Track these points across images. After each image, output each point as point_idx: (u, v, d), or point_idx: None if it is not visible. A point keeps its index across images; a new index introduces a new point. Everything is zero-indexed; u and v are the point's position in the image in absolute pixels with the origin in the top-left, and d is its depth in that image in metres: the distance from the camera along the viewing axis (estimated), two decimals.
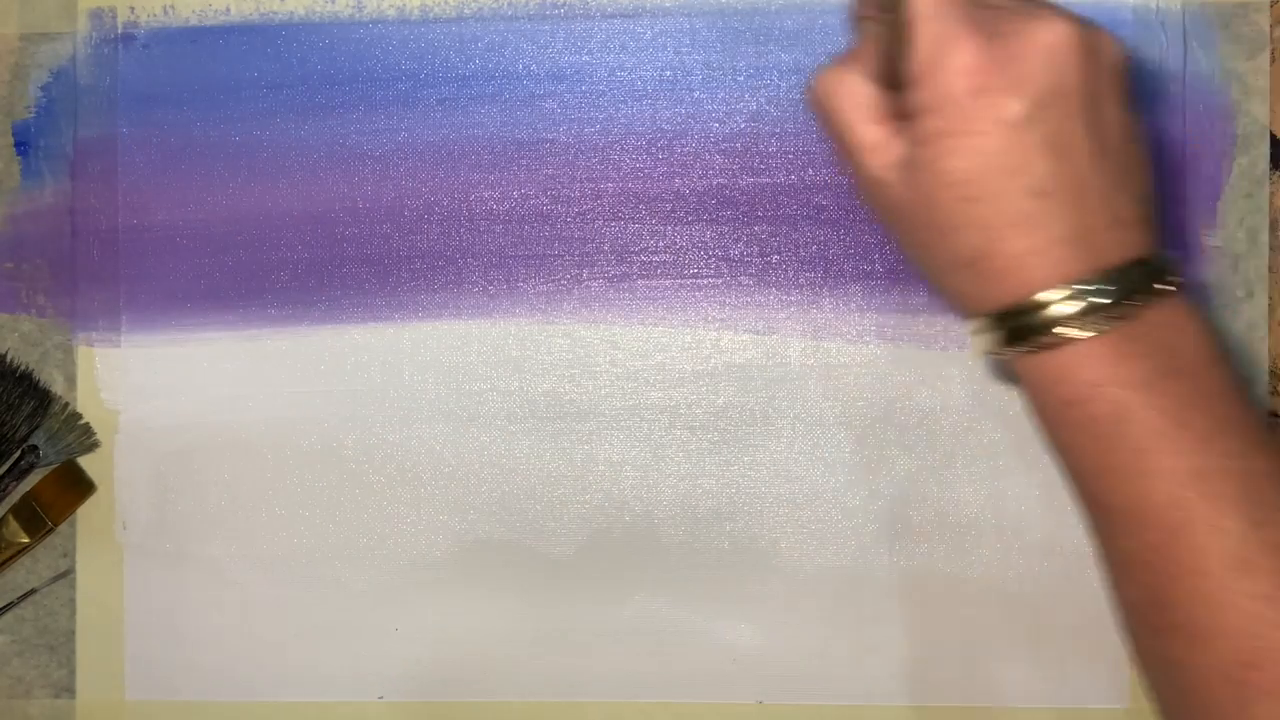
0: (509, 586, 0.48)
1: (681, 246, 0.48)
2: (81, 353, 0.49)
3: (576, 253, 0.48)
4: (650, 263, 0.48)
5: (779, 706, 0.48)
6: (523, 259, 0.48)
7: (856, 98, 0.37)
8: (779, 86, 0.48)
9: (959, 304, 0.37)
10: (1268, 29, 0.47)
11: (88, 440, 0.49)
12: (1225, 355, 0.35)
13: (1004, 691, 0.47)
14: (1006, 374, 0.36)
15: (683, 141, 0.48)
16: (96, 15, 0.49)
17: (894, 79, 0.36)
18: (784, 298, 0.48)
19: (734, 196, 0.48)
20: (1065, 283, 0.34)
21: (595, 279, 0.48)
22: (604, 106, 0.48)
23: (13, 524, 0.48)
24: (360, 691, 0.49)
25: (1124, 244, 0.34)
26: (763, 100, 0.48)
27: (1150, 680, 0.36)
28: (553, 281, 0.48)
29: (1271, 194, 0.47)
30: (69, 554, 0.50)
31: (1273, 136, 0.47)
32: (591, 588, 0.48)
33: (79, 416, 0.49)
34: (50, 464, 0.49)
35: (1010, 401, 0.47)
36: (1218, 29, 0.47)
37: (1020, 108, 0.34)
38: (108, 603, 0.49)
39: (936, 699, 0.47)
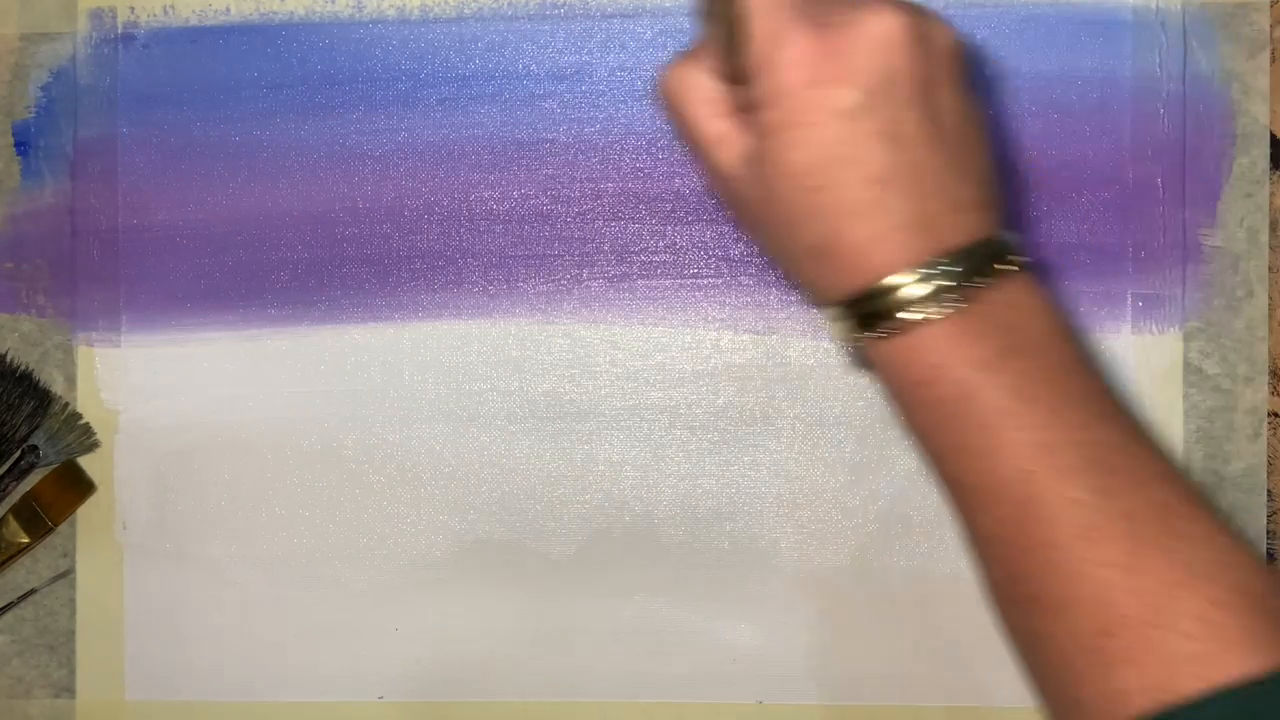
0: (509, 586, 0.48)
1: (681, 246, 0.48)
2: (81, 353, 0.49)
3: (576, 253, 0.48)
4: (650, 263, 0.48)
5: (779, 706, 0.48)
6: (523, 259, 0.48)
7: (701, 93, 0.37)
8: None
9: (811, 293, 0.37)
10: (1268, 29, 0.47)
11: (88, 440, 0.49)
12: (1069, 330, 0.36)
13: (1003, 692, 0.47)
14: (862, 360, 0.36)
15: None
16: (96, 15, 0.49)
17: (739, 73, 0.36)
18: (784, 298, 0.48)
19: None
20: (909, 268, 0.34)
21: (595, 279, 0.48)
22: (604, 106, 0.48)
23: (13, 524, 0.48)
24: (360, 691, 0.49)
25: (965, 227, 0.35)
26: None
27: (1017, 653, 0.36)
28: (553, 281, 0.48)
29: (1271, 194, 0.47)
30: (69, 554, 0.50)
31: (1273, 136, 0.47)
32: (591, 588, 0.48)
33: (79, 416, 0.49)
34: (50, 464, 0.49)
35: None
36: (1218, 29, 0.47)
37: (853, 98, 0.34)
38: (108, 603, 0.49)
39: (935, 699, 0.47)
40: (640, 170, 0.48)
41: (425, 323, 0.49)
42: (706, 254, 0.48)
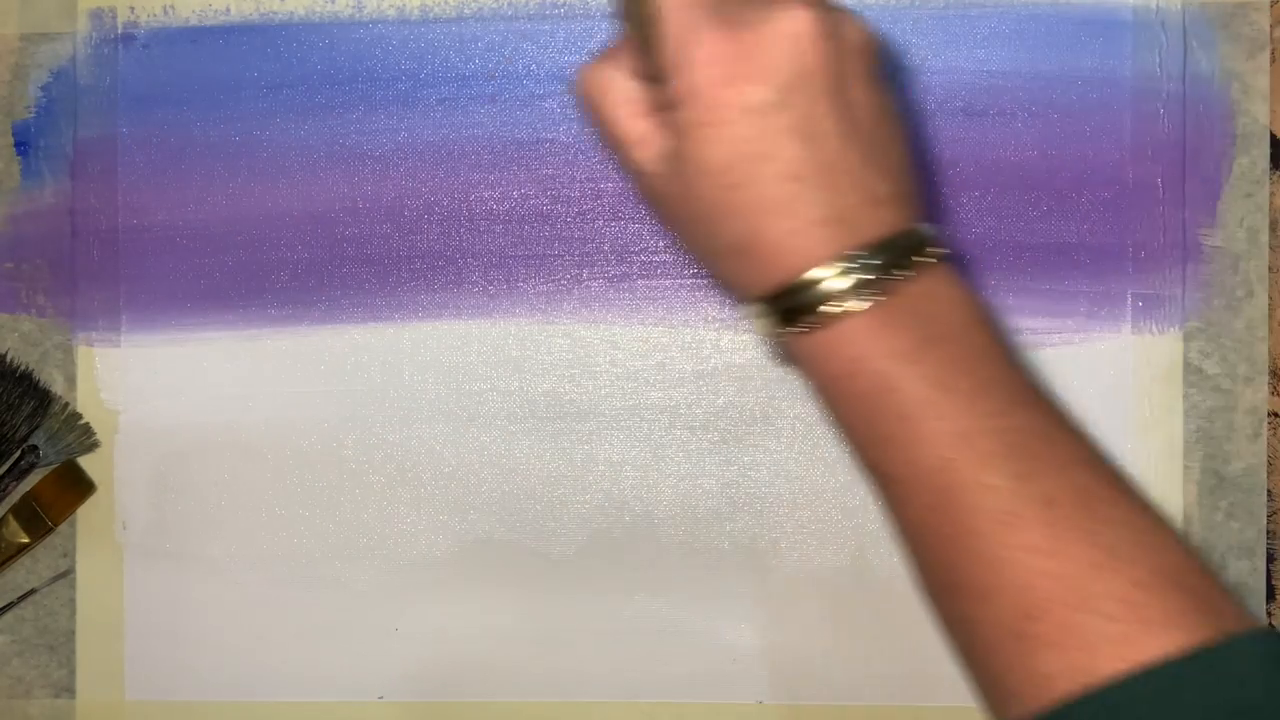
0: (509, 586, 0.48)
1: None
2: (81, 353, 0.49)
3: (576, 253, 0.48)
4: (650, 263, 0.48)
5: (779, 706, 0.48)
6: (523, 259, 0.48)
7: (620, 93, 0.37)
8: None
9: (733, 290, 0.37)
10: (1268, 29, 0.47)
11: (88, 440, 0.49)
12: (988, 319, 0.36)
13: None
14: (786, 356, 0.36)
15: None
16: (96, 15, 0.49)
17: (656, 72, 0.36)
18: None
19: None
20: (827, 262, 0.34)
21: (595, 279, 0.48)
22: None
23: (13, 524, 0.48)
24: (360, 691, 0.49)
25: (882, 220, 0.35)
26: None
27: (948, 639, 0.36)
28: (553, 281, 0.48)
29: (1271, 194, 0.47)
30: (69, 554, 0.50)
31: (1273, 136, 0.47)
32: (591, 588, 0.48)
33: (79, 416, 0.49)
34: (50, 464, 0.49)
35: None
36: (1218, 29, 0.47)
37: (766, 95, 0.34)
38: (108, 603, 0.49)
39: (935, 699, 0.47)
40: None
41: (425, 323, 0.49)
42: None
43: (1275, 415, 0.47)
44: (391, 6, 0.49)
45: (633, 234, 0.48)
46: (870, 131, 0.36)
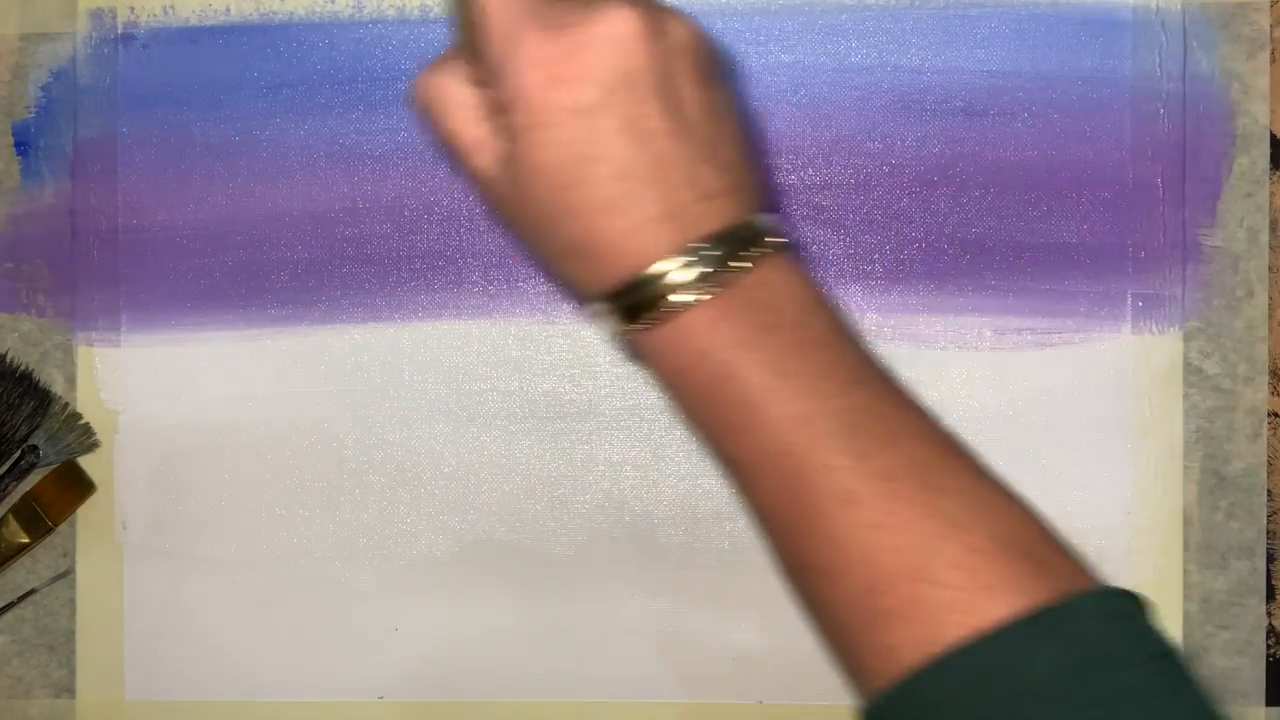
0: (509, 586, 0.48)
1: None
2: (81, 353, 0.49)
3: None
4: None
5: (779, 706, 0.48)
6: (523, 259, 0.48)
7: (455, 99, 0.37)
8: (779, 87, 0.48)
9: (576, 290, 0.37)
10: (1268, 29, 0.47)
11: (88, 440, 0.49)
12: (825, 304, 0.36)
13: None
14: (631, 354, 0.37)
15: None
16: (96, 15, 0.49)
17: (488, 77, 0.37)
18: None
19: None
20: (663, 259, 0.35)
21: None
22: None
23: (13, 524, 0.48)
24: (360, 691, 0.49)
25: (716, 214, 0.35)
26: (763, 101, 0.48)
27: (808, 621, 0.37)
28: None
29: (1271, 194, 0.47)
30: (69, 554, 0.50)
31: (1273, 136, 0.47)
32: (591, 588, 0.48)
33: (79, 416, 0.49)
34: (50, 464, 0.49)
35: (1008, 402, 0.47)
36: (1218, 29, 0.47)
37: (591, 95, 0.35)
38: (108, 603, 0.49)
39: None
40: None
41: (425, 323, 0.49)
42: None
43: (1275, 415, 0.47)
44: (391, 6, 0.49)
45: None
46: (700, 127, 0.36)
